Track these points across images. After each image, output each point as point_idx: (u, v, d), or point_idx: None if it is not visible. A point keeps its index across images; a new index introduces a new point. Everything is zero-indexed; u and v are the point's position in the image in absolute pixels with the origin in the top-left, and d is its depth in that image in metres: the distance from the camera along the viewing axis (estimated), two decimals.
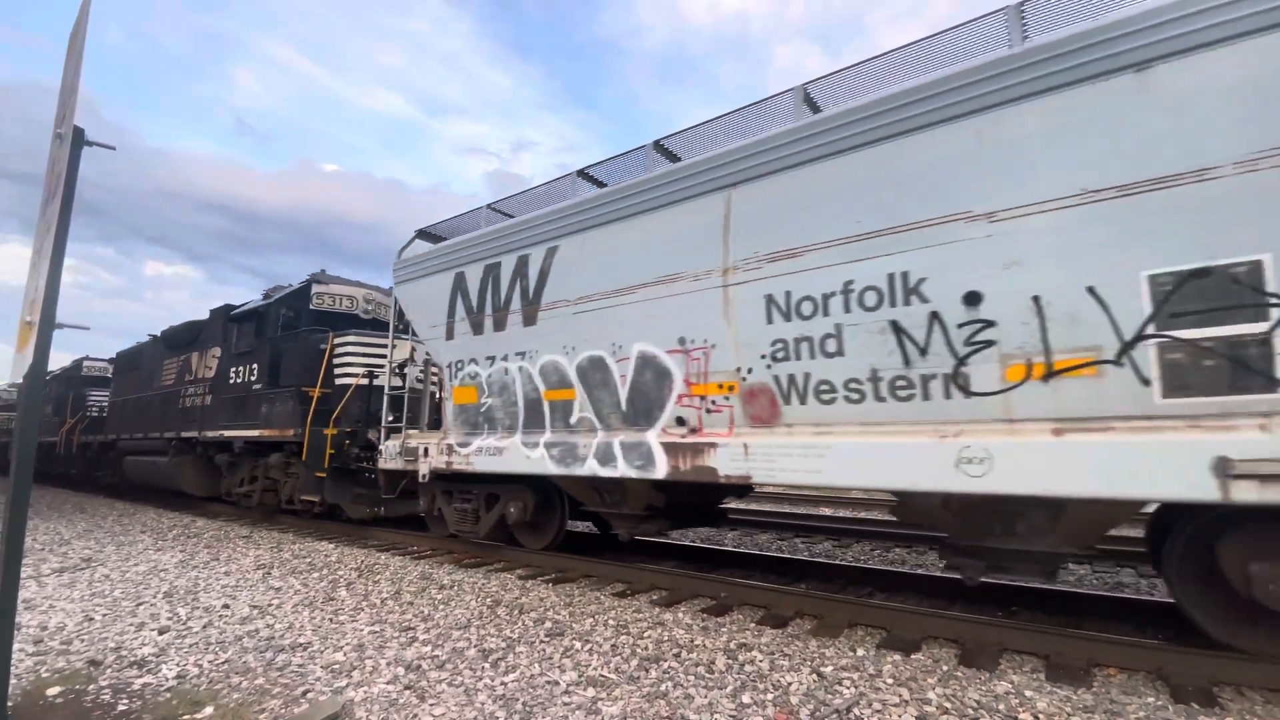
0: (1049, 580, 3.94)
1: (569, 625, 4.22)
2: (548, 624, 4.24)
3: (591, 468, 5.24)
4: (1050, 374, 3.37)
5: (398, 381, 7.68)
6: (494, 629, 4.15)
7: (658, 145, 5.26)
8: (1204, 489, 2.89)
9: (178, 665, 3.54)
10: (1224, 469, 2.84)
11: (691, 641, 3.84)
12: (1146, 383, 3.13)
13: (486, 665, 3.49)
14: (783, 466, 4.21)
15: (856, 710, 2.88)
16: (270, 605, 4.77)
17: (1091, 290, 3.25)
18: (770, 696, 3.04)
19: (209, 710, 2.95)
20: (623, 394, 5.16)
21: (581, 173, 5.81)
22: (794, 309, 4.21)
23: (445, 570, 6.00)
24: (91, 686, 3.27)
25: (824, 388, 4.11)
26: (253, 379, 9.83)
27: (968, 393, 3.60)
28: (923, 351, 3.74)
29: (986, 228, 3.53)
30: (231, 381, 10.29)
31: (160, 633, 4.14)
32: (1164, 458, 3.01)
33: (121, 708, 3.04)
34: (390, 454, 7.12)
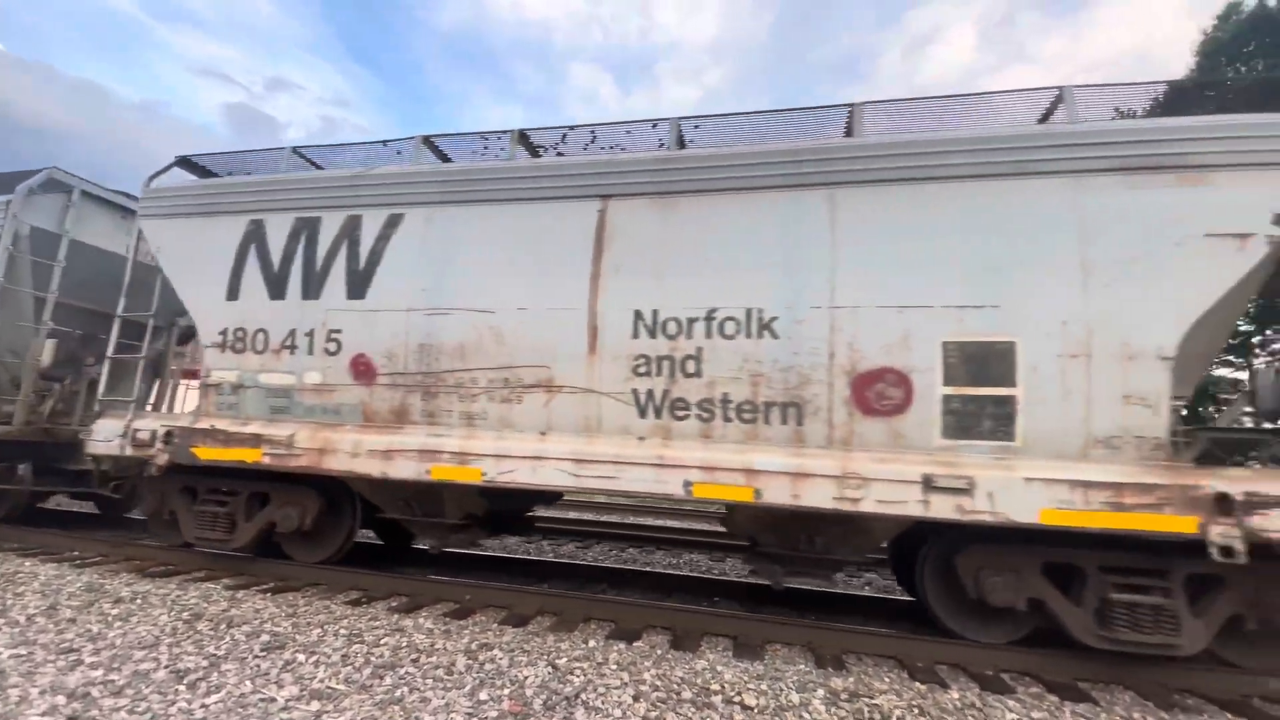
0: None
1: (291, 637, 3.85)
2: (264, 637, 3.82)
3: None
4: None
5: None
6: (193, 646, 3.60)
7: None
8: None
9: None
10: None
11: (432, 645, 3.79)
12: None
13: (181, 687, 3.04)
14: None
15: (584, 695, 3.13)
16: None
17: None
18: (506, 691, 3.16)
19: None
20: None
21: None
22: None
23: (123, 580, 4.98)
24: None
25: None
26: None
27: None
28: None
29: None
30: None
31: None
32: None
33: None
34: None
